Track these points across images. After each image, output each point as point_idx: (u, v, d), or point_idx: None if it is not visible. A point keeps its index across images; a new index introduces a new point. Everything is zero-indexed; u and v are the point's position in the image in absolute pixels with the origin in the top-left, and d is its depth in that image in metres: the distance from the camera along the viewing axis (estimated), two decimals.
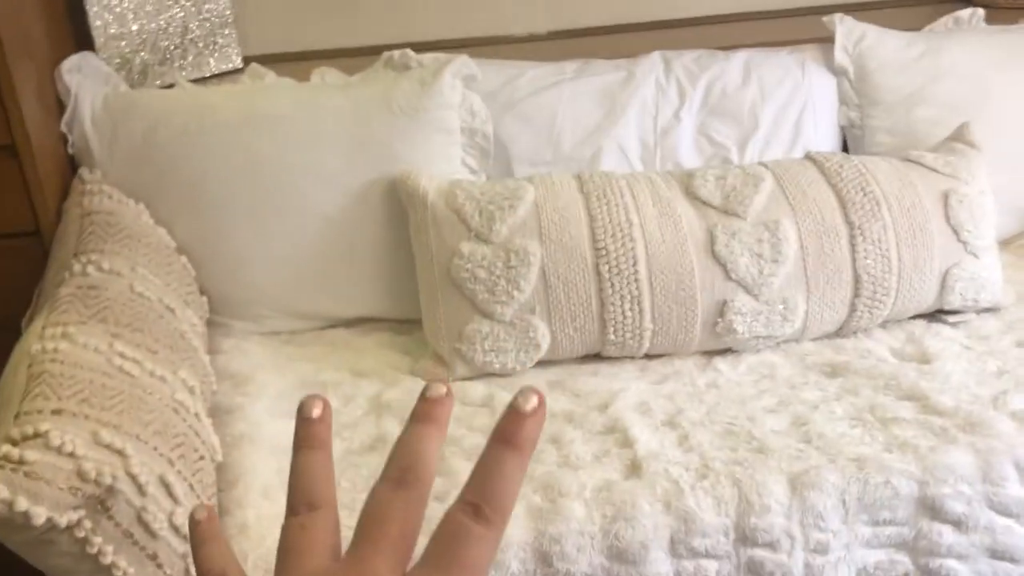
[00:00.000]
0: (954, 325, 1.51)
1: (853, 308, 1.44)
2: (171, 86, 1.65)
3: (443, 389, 0.40)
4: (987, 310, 1.54)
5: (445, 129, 1.56)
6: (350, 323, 1.62)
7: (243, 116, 1.52)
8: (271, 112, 1.52)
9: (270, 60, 1.83)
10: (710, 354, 1.47)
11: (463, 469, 1.22)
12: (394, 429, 1.32)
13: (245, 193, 1.50)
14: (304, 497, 0.39)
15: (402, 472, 0.38)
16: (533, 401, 0.36)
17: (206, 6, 1.73)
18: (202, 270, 1.52)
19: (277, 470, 1.22)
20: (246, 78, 1.68)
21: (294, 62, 1.86)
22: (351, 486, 1.21)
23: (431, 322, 1.44)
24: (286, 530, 0.38)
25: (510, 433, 0.36)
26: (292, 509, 0.39)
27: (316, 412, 0.40)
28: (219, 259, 1.53)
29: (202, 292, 1.52)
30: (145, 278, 1.32)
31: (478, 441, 1.28)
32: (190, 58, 1.73)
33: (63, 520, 0.89)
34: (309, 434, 0.40)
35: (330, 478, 0.40)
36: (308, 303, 1.57)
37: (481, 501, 0.35)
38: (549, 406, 1.34)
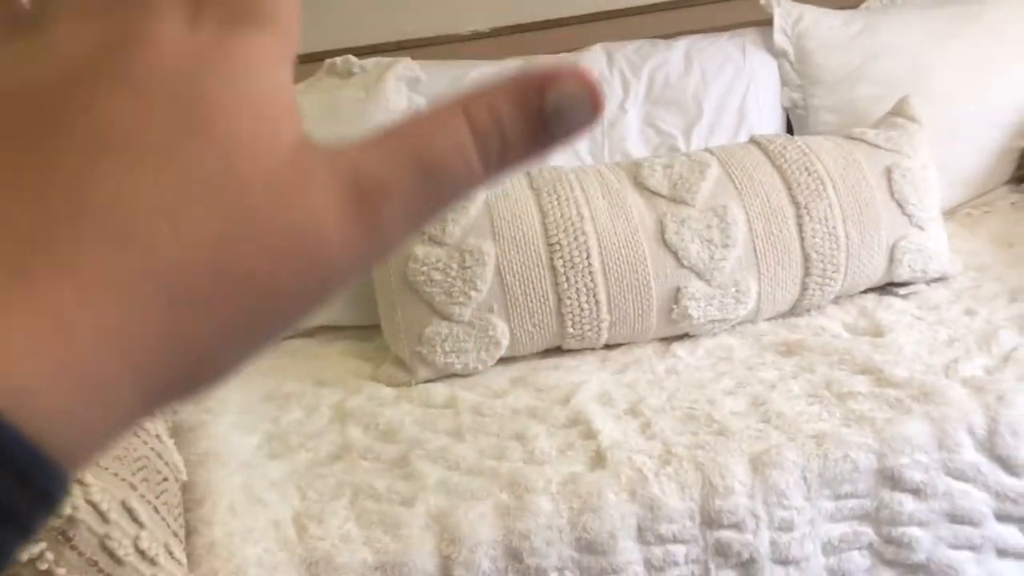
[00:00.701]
0: (905, 297, 1.54)
1: (804, 287, 1.46)
2: None
3: None
4: (936, 280, 1.57)
5: None
6: (311, 333, 1.62)
7: None
8: None
9: None
10: (668, 340, 1.49)
11: (428, 472, 1.23)
12: (358, 437, 1.32)
13: None
14: None
15: None
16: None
17: None
18: None
19: (244, 486, 1.22)
20: None
21: None
22: (318, 496, 1.21)
23: (390, 327, 1.45)
24: None
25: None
26: None
27: None
28: None
29: None
30: None
31: (443, 443, 1.29)
32: None
33: (24, 554, 0.88)
34: None
35: None
36: None
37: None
38: (511, 404, 1.35)
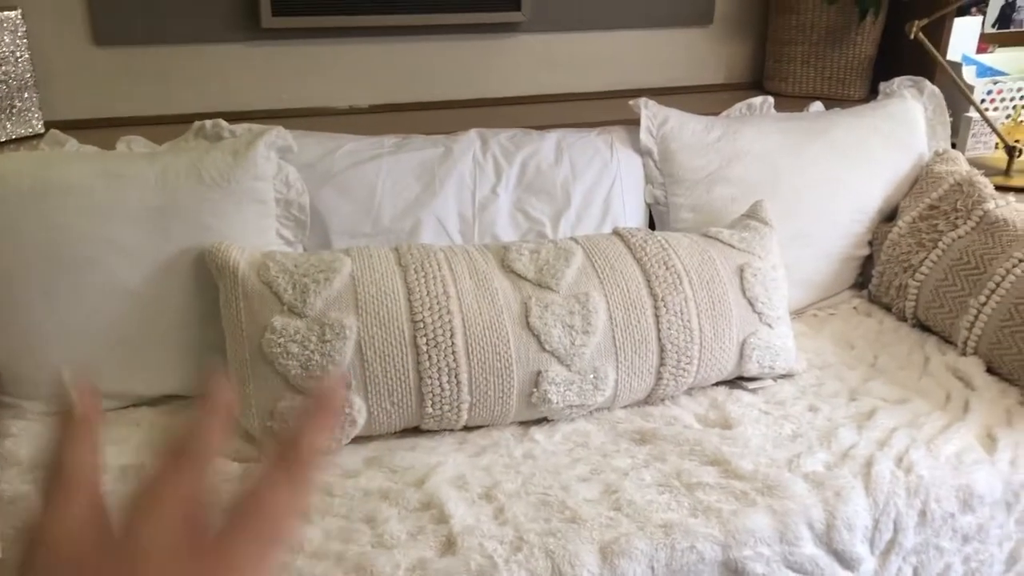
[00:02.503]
0: (753, 391, 1.60)
1: (659, 376, 1.50)
2: None
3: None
4: (783, 376, 1.64)
5: (259, 200, 1.54)
6: (156, 401, 1.54)
7: (38, 185, 1.43)
8: (69, 181, 1.45)
9: (75, 126, 1.75)
10: (527, 424, 1.49)
11: None
12: None
13: (38, 266, 1.41)
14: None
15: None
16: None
17: (2, 68, 1.64)
18: None
19: None
20: (44, 145, 1.60)
21: (102, 128, 1.79)
22: None
23: (240, 400, 1.39)
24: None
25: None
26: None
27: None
28: (9, 336, 1.43)
29: None
30: None
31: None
32: None
33: None
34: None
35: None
36: (109, 382, 1.49)
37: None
38: (364, 485, 1.31)
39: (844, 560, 1.31)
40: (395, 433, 1.46)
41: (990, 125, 2.11)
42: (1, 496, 1.24)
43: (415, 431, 1.47)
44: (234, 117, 1.68)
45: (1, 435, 1.37)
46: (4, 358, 1.44)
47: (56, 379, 1.43)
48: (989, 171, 1.97)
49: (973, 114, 2.19)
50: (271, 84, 1.95)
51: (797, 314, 1.89)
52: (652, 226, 1.88)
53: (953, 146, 2.16)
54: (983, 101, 2.24)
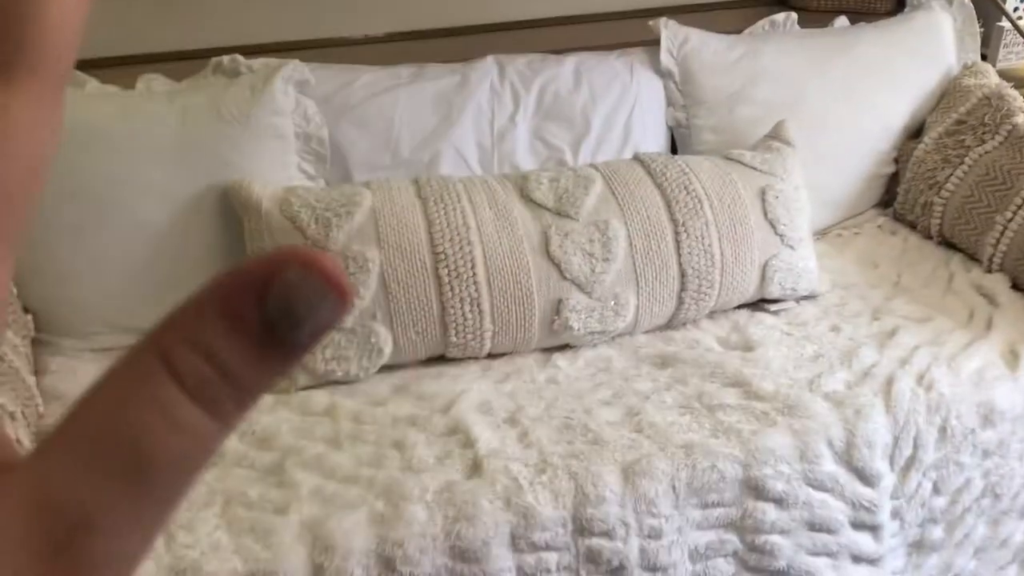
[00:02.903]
0: (775, 313, 1.61)
1: (680, 301, 1.51)
2: None
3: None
4: (806, 298, 1.64)
5: (279, 136, 1.55)
6: None
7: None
8: (92, 122, 1.47)
9: (93, 65, 1.75)
10: (550, 351, 1.51)
11: (303, 480, 1.22)
12: (233, 444, 1.30)
13: (66, 207, 1.44)
14: None
15: None
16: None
17: None
18: (25, 288, 1.45)
19: None
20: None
21: (119, 67, 1.79)
22: (188, 504, 1.18)
23: None
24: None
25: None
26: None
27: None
28: (42, 276, 1.46)
29: (26, 310, 1.45)
30: None
31: (320, 451, 1.28)
32: None
33: None
34: None
35: None
36: (141, 318, 1.52)
37: None
38: (392, 412, 1.35)
39: (864, 477, 1.34)
40: (421, 362, 1.49)
41: (1022, 34, 2.05)
42: (48, 432, 1.28)
43: (440, 359, 1.50)
44: (250, 51, 1.68)
45: (41, 372, 1.42)
46: (39, 298, 1.47)
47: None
48: (1021, 83, 1.92)
49: (1005, 23, 2.12)
50: (288, 16, 1.94)
51: (821, 234, 1.88)
52: (674, 149, 1.87)
53: (984, 58, 2.11)
54: (1016, 9, 2.17)
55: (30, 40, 0.19)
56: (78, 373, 1.44)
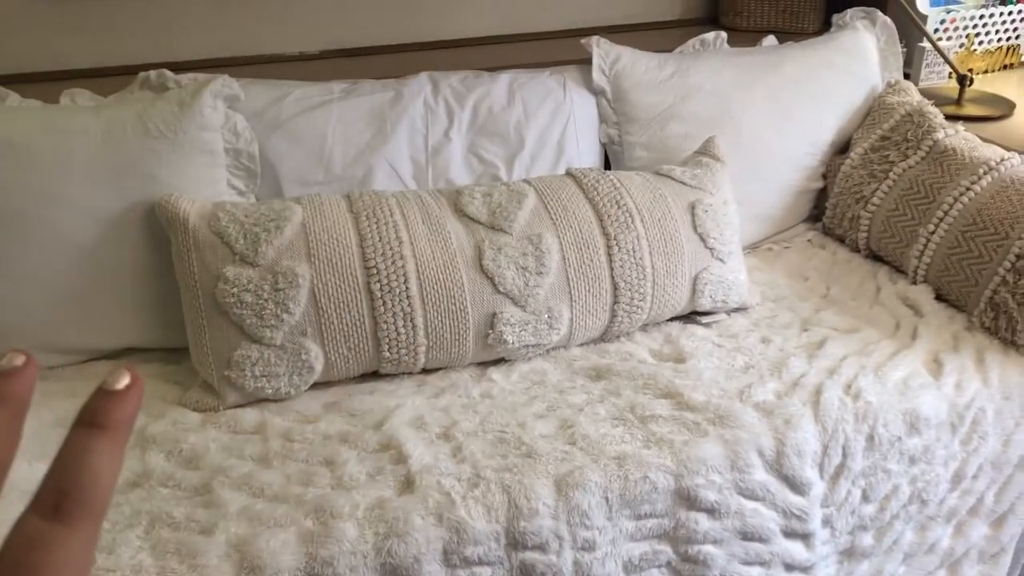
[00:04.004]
0: (707, 325, 1.63)
1: (613, 314, 1.52)
2: None
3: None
4: (736, 310, 1.67)
5: (208, 151, 1.52)
6: (115, 355, 1.54)
7: None
8: (13, 137, 1.43)
9: (16, 80, 1.72)
10: (485, 365, 1.51)
11: (231, 500, 1.19)
12: (160, 463, 1.27)
13: None
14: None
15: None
16: (125, 379, 0.31)
17: None
18: None
19: None
20: None
21: (44, 82, 1.76)
22: (110, 526, 1.15)
23: (197, 350, 1.40)
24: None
25: (98, 413, 0.31)
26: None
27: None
28: None
29: None
30: None
31: (249, 469, 1.25)
32: None
33: None
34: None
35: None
36: (65, 338, 1.49)
37: (61, 496, 0.29)
38: (323, 430, 1.33)
39: (794, 485, 1.35)
40: (354, 378, 1.47)
41: (942, 55, 2.12)
42: None
43: (374, 375, 1.48)
44: (181, 67, 1.66)
45: None
46: None
47: None
48: (941, 101, 1.98)
49: (926, 44, 2.20)
50: (218, 33, 1.92)
51: (752, 248, 1.91)
52: (607, 166, 1.89)
53: (907, 77, 2.17)
54: (936, 31, 2.25)
55: (87, 489, 0.29)
56: None
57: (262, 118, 1.63)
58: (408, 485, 1.23)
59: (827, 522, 1.41)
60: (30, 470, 1.26)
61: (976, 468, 1.50)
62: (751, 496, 1.33)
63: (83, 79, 1.70)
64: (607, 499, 1.25)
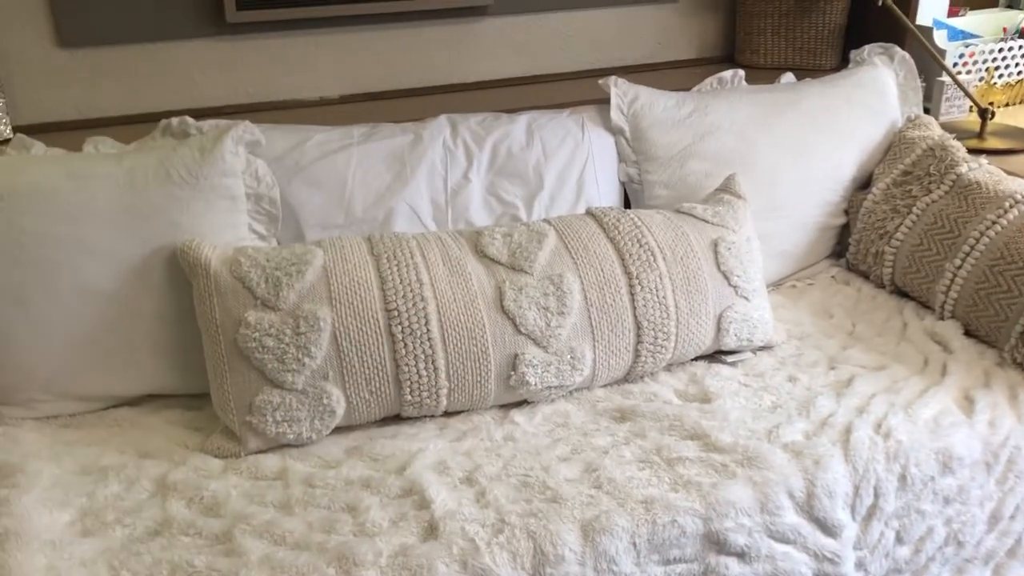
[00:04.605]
0: (732, 364, 1.60)
1: (637, 354, 1.50)
2: None
3: None
4: (762, 348, 1.65)
5: (229, 196, 1.53)
6: (136, 401, 1.54)
7: (5, 189, 1.42)
8: (38, 184, 1.44)
9: (42, 129, 1.74)
10: (507, 407, 1.49)
11: (253, 548, 1.17)
12: (181, 511, 1.26)
13: (9, 271, 1.40)
14: None
15: None
16: None
17: None
18: None
19: (48, 567, 1.13)
20: (11, 150, 1.58)
21: (69, 131, 1.78)
22: None
23: (219, 395, 1.39)
24: None
25: None
26: None
27: None
28: None
29: None
30: None
31: (270, 517, 1.24)
32: None
33: None
34: None
35: None
36: (87, 384, 1.48)
37: None
38: (345, 475, 1.32)
39: (826, 527, 1.32)
40: (376, 422, 1.46)
41: (962, 88, 2.11)
42: None
43: (396, 419, 1.47)
44: (202, 114, 1.68)
45: None
46: None
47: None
48: (962, 134, 1.97)
49: (946, 78, 2.19)
50: (239, 79, 1.94)
51: (775, 286, 1.89)
52: (627, 205, 1.88)
53: (927, 111, 2.16)
54: (955, 65, 2.24)
55: None
56: (19, 442, 1.39)
57: (283, 163, 1.64)
58: (431, 531, 1.21)
59: (860, 565, 1.38)
60: (51, 519, 1.24)
61: (1013, 508, 1.46)
62: (782, 539, 1.30)
63: (106, 127, 1.72)
64: (635, 544, 1.22)
